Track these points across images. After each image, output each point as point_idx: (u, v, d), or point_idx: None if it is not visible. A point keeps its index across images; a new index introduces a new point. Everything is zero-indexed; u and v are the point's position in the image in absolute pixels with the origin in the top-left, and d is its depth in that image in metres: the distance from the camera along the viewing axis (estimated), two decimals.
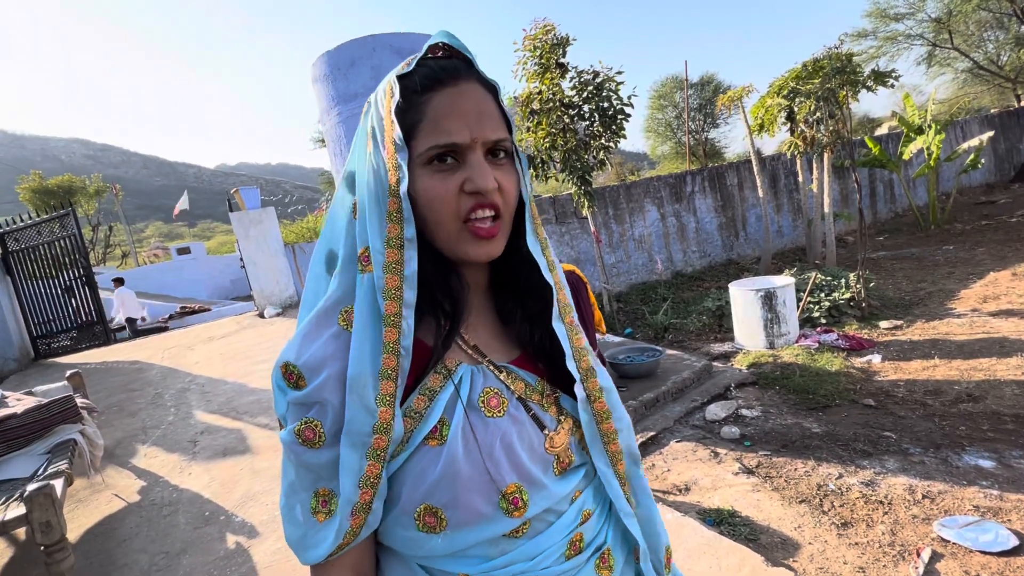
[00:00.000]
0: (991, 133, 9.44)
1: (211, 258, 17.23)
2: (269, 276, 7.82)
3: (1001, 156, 13.13)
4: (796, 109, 6.69)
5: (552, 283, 0.58)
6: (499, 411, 0.55)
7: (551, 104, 5.52)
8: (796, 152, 7.03)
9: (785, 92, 6.70)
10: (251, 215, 7.80)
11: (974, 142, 9.19)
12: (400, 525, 0.53)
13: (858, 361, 3.98)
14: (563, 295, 0.60)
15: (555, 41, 5.53)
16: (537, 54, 5.59)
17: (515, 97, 6.00)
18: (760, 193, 7.53)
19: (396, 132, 0.50)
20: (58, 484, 2.04)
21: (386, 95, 0.53)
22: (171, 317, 10.75)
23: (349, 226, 0.55)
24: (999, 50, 15.38)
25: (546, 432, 0.57)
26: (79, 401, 2.88)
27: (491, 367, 0.58)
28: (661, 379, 3.77)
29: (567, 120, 5.54)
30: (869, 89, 6.58)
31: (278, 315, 7.53)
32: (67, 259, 7.39)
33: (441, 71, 0.52)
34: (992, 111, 15.41)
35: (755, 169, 7.61)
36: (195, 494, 2.86)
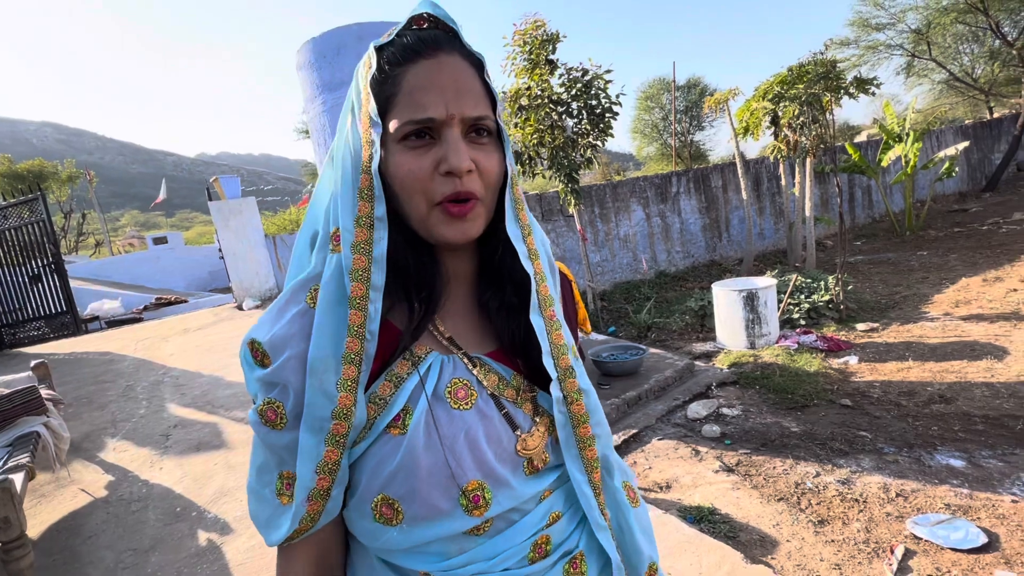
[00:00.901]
0: (966, 143, 9.71)
1: (189, 248, 16.82)
2: (249, 268, 7.66)
3: (974, 166, 13.53)
4: (781, 113, 6.78)
5: (532, 272, 0.55)
6: (466, 404, 0.52)
7: (540, 100, 5.49)
8: (779, 156, 7.13)
9: (770, 96, 6.78)
10: (231, 205, 7.62)
11: (949, 151, 9.43)
12: (359, 514, 0.51)
13: (836, 362, 4.05)
14: (544, 287, 0.57)
15: (545, 37, 5.51)
16: (527, 50, 5.56)
17: (504, 92, 5.96)
18: (744, 195, 7.62)
19: (371, 106, 0.48)
20: (18, 478, 1.95)
21: (364, 67, 0.50)
22: (146, 308, 10.47)
23: (331, 203, 0.53)
24: (974, 63, 15.85)
25: (518, 433, 0.54)
26: (44, 392, 2.77)
27: (464, 358, 0.55)
28: (644, 377, 3.79)
29: (555, 117, 5.53)
30: (851, 95, 6.69)
31: (257, 307, 7.38)
32: (36, 246, 7.13)
33: (419, 42, 0.49)
34: (966, 122, 15.86)
35: (739, 172, 7.70)
36: (166, 489, 2.78)
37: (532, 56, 5.53)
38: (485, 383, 0.54)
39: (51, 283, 7.22)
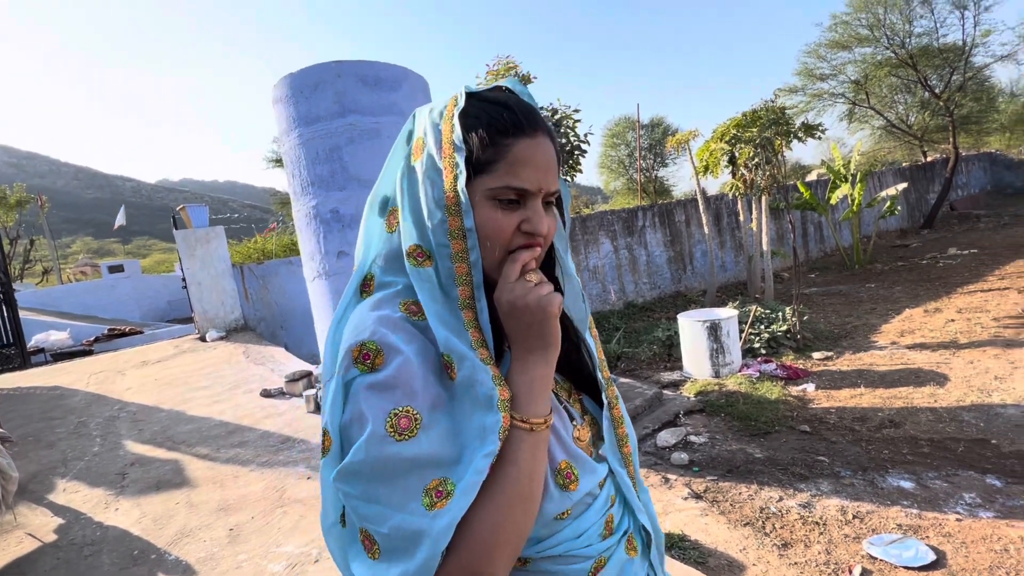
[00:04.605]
0: (904, 184, 10.54)
1: (147, 277, 16.17)
2: (213, 297, 7.45)
3: (912, 205, 14.60)
4: (737, 154, 7.23)
5: (585, 300, 0.68)
6: None
7: None
8: (737, 193, 7.56)
9: (727, 138, 7.24)
10: (198, 234, 7.46)
11: (890, 191, 10.21)
12: None
13: (794, 389, 4.24)
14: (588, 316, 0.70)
15: (516, 78, 5.76)
16: None
17: None
18: (705, 230, 8.00)
19: (456, 134, 0.56)
20: None
21: (450, 103, 0.59)
22: (97, 340, 9.94)
23: (387, 240, 0.61)
24: (908, 111, 17.34)
25: (574, 423, 0.64)
26: None
27: None
28: None
29: None
30: (800, 139, 7.22)
31: (221, 339, 7.16)
32: None
33: (525, 120, 0.58)
34: (904, 165, 17.19)
35: (701, 207, 8.09)
36: (122, 532, 2.64)
37: None
38: None
39: None
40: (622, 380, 4.45)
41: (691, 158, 7.94)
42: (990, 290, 6.68)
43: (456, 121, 0.56)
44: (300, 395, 4.18)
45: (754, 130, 6.96)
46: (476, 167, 0.56)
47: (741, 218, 8.38)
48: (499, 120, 0.57)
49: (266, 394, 4.39)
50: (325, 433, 0.53)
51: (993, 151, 19.66)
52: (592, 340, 0.68)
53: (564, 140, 5.95)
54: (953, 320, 5.61)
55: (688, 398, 4.23)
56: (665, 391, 4.41)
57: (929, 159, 16.95)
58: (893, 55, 13.86)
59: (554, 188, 0.59)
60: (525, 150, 0.56)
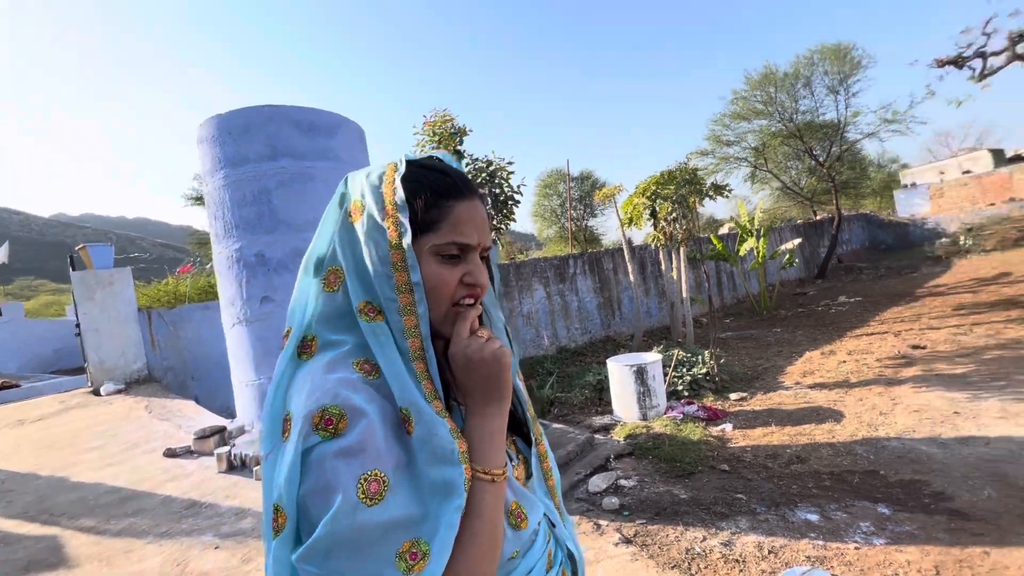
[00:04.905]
0: (799, 240, 11.87)
1: (30, 322, 14.30)
2: (114, 345, 6.73)
3: (807, 257, 16.39)
4: (658, 208, 7.84)
5: (513, 346, 0.72)
6: None
7: None
8: (659, 244, 8.13)
9: (648, 194, 7.85)
10: (100, 275, 6.79)
11: (789, 245, 11.43)
12: None
13: (715, 430, 4.49)
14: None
15: (453, 130, 5.98)
16: (436, 139, 5.97)
17: None
18: (631, 278, 8.48)
19: (399, 195, 0.60)
20: None
21: (388, 169, 0.64)
22: None
23: (326, 300, 0.63)
24: (799, 175, 19.80)
25: (513, 464, 0.68)
26: None
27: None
28: None
29: None
30: (711, 197, 7.98)
31: (119, 392, 6.42)
32: None
33: (463, 185, 0.65)
34: (799, 221, 19.38)
35: (627, 257, 8.60)
36: None
37: (441, 146, 5.94)
38: None
39: None
40: (555, 426, 4.49)
41: (616, 211, 8.49)
42: (873, 334, 7.55)
43: (399, 184, 0.61)
44: (211, 453, 3.82)
45: (671, 187, 7.62)
46: (420, 226, 0.61)
47: (663, 267, 8.98)
48: (441, 184, 0.63)
49: (171, 454, 3.97)
50: (277, 510, 0.51)
51: (868, 212, 22.73)
52: (519, 382, 0.73)
53: (499, 190, 6.18)
54: (845, 361, 6.26)
55: (618, 441, 4.33)
56: (597, 435, 4.49)
57: (819, 217, 19.26)
58: (784, 127, 15.91)
59: (490, 243, 0.66)
60: (466, 211, 0.63)
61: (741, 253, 11.08)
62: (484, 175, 6.12)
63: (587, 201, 22.70)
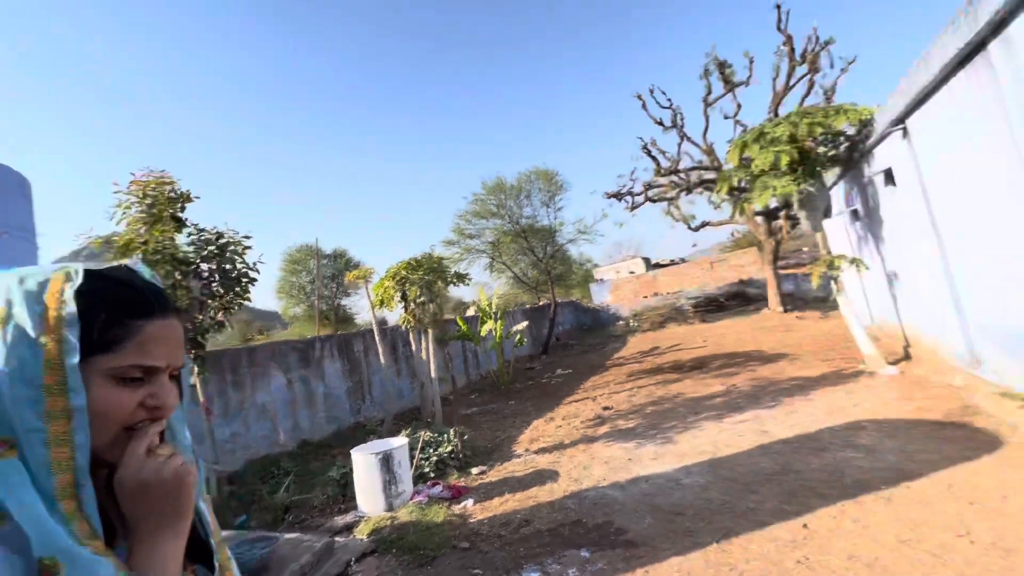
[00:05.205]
0: (526, 322, 14.01)
1: None
2: None
3: (535, 336, 19.35)
4: (407, 292, 8.20)
5: (200, 464, 0.68)
6: None
7: (159, 257, 4.91)
8: (409, 325, 8.42)
9: (398, 278, 8.18)
10: None
11: (520, 327, 13.31)
12: None
13: (457, 508, 4.65)
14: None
15: (173, 195, 5.18)
16: (147, 202, 5.04)
17: (108, 240, 5.06)
18: (382, 360, 8.44)
19: (70, 310, 0.53)
20: None
21: (56, 277, 0.56)
22: None
23: None
24: (526, 268, 23.82)
25: None
26: None
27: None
28: (277, 570, 3.34)
29: (178, 277, 5.00)
30: (454, 284, 8.81)
31: None
32: None
33: (157, 301, 0.60)
34: (527, 306, 22.96)
35: (377, 339, 8.58)
36: None
37: (155, 211, 5.04)
38: None
39: None
40: (287, 536, 3.92)
41: (367, 293, 8.52)
42: (580, 399, 9.24)
43: (70, 296, 0.55)
44: None
45: (419, 273, 8.13)
46: (93, 346, 0.55)
47: (413, 348, 9.25)
48: (127, 300, 0.59)
49: None
50: None
51: (575, 299, 28.62)
52: (204, 505, 0.69)
53: (230, 265, 5.51)
54: (560, 426, 7.43)
55: (362, 540, 4.05)
56: (338, 538, 4.11)
57: (542, 303, 23.24)
58: (512, 228, 19.13)
59: (180, 363, 0.63)
60: (158, 330, 0.59)
61: (483, 334, 12.35)
62: (212, 247, 5.39)
63: (340, 279, 22.08)
